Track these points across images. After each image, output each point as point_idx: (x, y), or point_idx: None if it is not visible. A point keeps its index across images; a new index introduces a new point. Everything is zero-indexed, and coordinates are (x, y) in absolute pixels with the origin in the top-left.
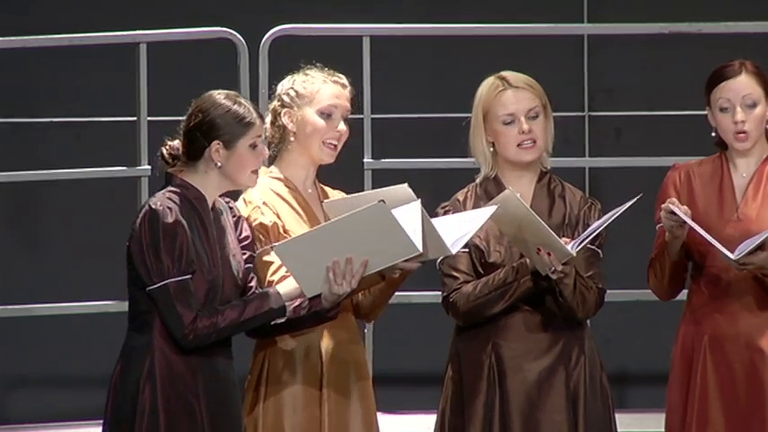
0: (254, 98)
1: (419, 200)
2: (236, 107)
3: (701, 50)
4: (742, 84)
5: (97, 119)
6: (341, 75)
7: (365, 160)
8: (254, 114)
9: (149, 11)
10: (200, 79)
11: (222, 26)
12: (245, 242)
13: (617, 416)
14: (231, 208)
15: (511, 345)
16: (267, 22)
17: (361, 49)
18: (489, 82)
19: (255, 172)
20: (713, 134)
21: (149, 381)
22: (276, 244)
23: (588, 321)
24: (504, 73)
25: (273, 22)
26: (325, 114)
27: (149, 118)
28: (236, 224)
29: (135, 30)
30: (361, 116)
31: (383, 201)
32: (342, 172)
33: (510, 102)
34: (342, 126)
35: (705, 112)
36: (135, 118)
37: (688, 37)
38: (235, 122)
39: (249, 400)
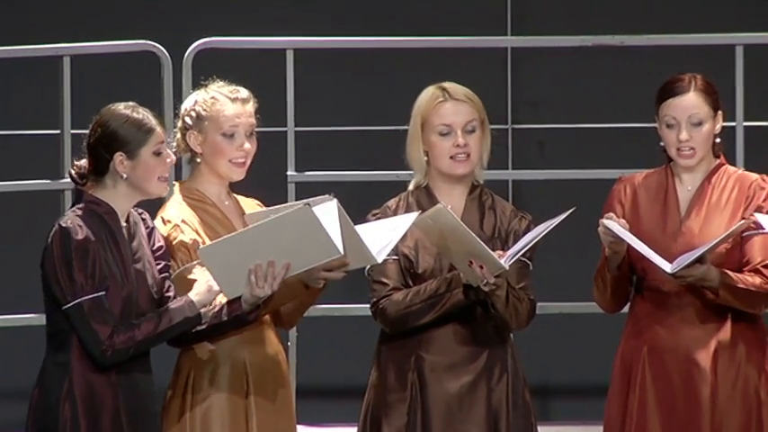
0: (177, 111)
1: (335, 200)
2: (134, 115)
3: (625, 63)
4: (689, 102)
5: (20, 132)
6: (242, 89)
7: (289, 173)
8: (154, 121)
9: (73, 24)
10: (123, 92)
11: (146, 39)
12: (159, 252)
13: (539, 429)
14: (144, 219)
15: (433, 358)
16: (191, 35)
17: (284, 61)
18: (430, 92)
19: (165, 179)
20: (661, 144)
21: (69, 400)
22: (201, 246)
23: (512, 336)
24: (445, 84)
25: (197, 35)
26: (228, 135)
27: (73, 131)
28: (150, 235)
29: (58, 43)
30: (285, 129)
31: (309, 204)
32: (265, 185)
33: (448, 113)
34: (246, 144)
35: (629, 125)
36: (58, 131)
37: (611, 49)
38: (134, 131)
39: (175, 410)
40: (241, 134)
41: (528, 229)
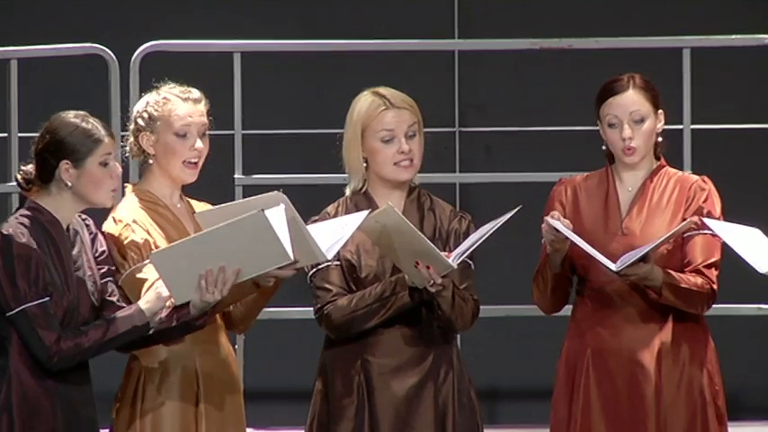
0: (125, 114)
1: (283, 204)
2: (83, 125)
3: (572, 66)
4: (629, 100)
5: None
6: (193, 90)
7: (236, 176)
8: (103, 132)
9: (20, 27)
10: (71, 95)
11: (93, 42)
12: (102, 257)
13: (487, 431)
14: (88, 225)
15: (380, 361)
16: (138, 38)
17: (232, 64)
18: (369, 99)
19: (113, 190)
20: (603, 147)
21: (6, 406)
22: (153, 251)
23: (459, 337)
24: (382, 90)
25: (145, 38)
26: (181, 135)
27: (20, 134)
28: (93, 241)
29: (5, 46)
30: (232, 132)
31: (263, 210)
32: (213, 188)
33: (391, 121)
34: (199, 143)
35: (576, 128)
36: (5, 134)
37: (558, 52)
38: (82, 140)
39: (124, 418)
40: (193, 134)
41: (468, 229)
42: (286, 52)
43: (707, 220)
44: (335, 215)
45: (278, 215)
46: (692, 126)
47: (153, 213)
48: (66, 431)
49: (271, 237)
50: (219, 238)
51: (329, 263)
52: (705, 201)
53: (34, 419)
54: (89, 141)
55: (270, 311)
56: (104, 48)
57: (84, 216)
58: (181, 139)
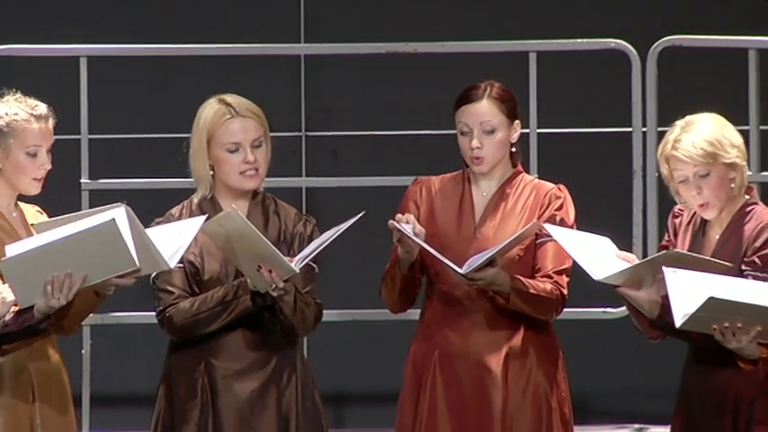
0: None
1: (124, 207)
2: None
3: (418, 70)
4: (482, 110)
5: None
6: (40, 104)
7: (82, 180)
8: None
9: None
10: None
11: None
12: None
13: None
14: None
15: (223, 364)
16: None
17: (78, 69)
18: (215, 107)
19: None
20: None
21: None
22: (3, 259)
23: (305, 341)
24: (227, 98)
25: None
26: (32, 154)
27: None
28: None
29: None
30: (78, 136)
31: (114, 219)
32: (58, 192)
33: (237, 131)
34: (47, 161)
35: (423, 132)
36: None
37: (405, 57)
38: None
39: None
40: (43, 153)
41: (313, 233)
42: (133, 56)
43: (547, 226)
44: (180, 217)
45: (122, 219)
46: (539, 130)
47: None
48: None
49: (120, 245)
50: (71, 246)
51: None
52: (559, 209)
53: None
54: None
55: (116, 316)
56: None
57: None
58: (31, 158)
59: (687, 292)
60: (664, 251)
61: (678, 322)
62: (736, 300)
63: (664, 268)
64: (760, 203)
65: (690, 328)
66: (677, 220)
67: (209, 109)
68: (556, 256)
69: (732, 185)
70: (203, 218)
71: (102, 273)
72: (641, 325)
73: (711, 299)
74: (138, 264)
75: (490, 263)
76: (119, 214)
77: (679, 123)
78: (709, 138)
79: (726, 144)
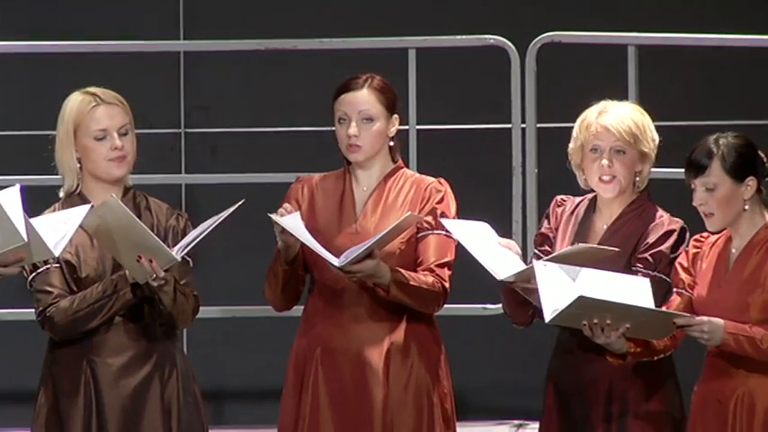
0: None
1: (18, 185)
2: None
3: (299, 67)
4: (361, 98)
5: None
6: (98, 90)
7: None
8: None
9: None
10: None
11: None
12: None
13: None
14: None
15: (106, 360)
16: None
17: None
18: (80, 98)
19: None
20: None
21: None
22: None
23: (185, 337)
24: (92, 89)
25: None
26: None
27: None
28: None
29: None
30: None
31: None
32: None
33: (103, 118)
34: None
35: (304, 129)
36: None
37: (285, 53)
38: None
39: None
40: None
41: (186, 228)
42: (8, 54)
43: (445, 222)
44: None
45: (12, 198)
46: (418, 126)
47: None
48: None
49: (3, 218)
50: None
51: (48, 266)
52: (440, 202)
53: None
54: None
55: None
56: None
57: None
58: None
59: (557, 287)
60: (573, 245)
61: (548, 318)
62: (605, 299)
63: (534, 262)
64: (652, 203)
65: (560, 323)
66: (559, 209)
67: (75, 100)
68: (437, 248)
69: (637, 178)
70: (88, 206)
71: None
72: (509, 308)
73: (581, 297)
74: (25, 237)
75: (369, 255)
76: (11, 191)
77: (599, 104)
78: (637, 120)
79: (648, 135)
